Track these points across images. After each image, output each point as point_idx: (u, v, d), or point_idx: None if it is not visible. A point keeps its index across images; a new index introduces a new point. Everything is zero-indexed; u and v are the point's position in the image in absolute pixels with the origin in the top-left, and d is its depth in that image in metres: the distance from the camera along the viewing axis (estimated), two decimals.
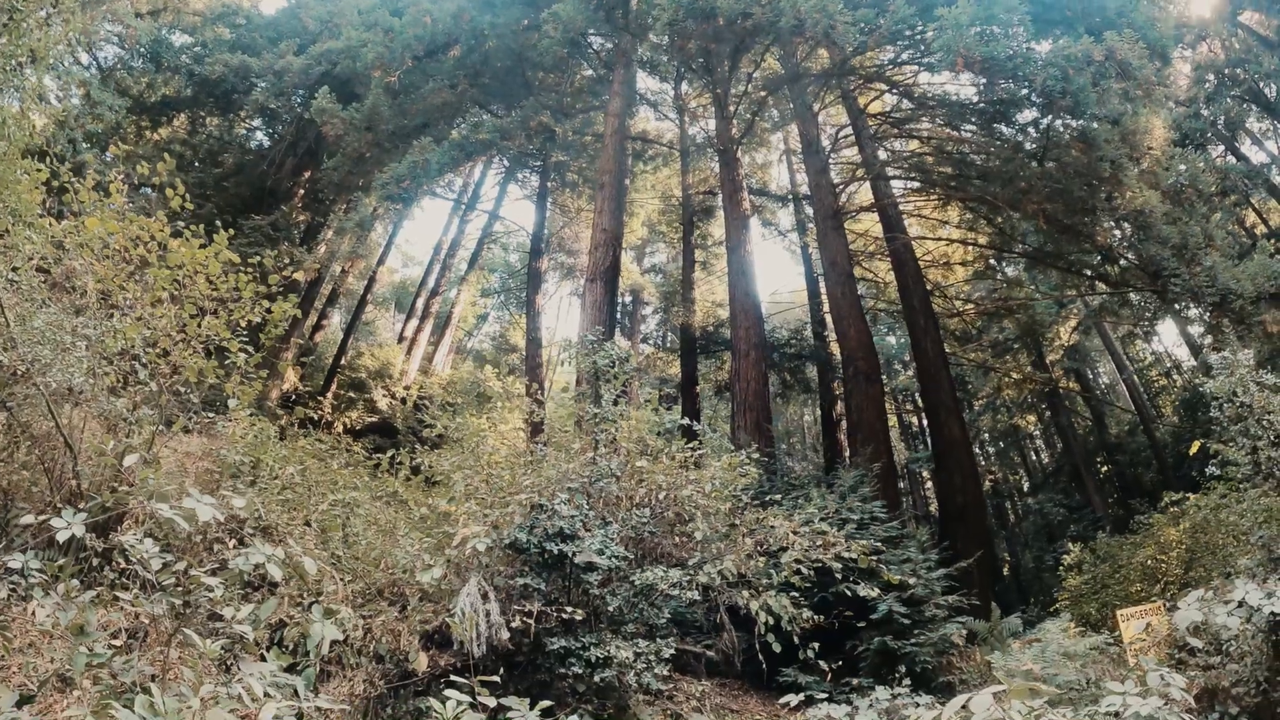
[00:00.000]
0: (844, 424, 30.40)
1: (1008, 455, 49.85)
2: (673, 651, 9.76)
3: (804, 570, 11.21)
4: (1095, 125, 20.85)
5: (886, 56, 26.17)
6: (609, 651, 8.87)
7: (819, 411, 39.10)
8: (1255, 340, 20.35)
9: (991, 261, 36.60)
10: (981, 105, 24.19)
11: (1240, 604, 8.23)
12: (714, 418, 37.10)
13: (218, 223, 10.36)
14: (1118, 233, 23.14)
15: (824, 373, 34.88)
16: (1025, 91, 21.18)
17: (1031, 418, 44.96)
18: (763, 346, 24.55)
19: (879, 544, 13.61)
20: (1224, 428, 12.65)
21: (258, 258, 12.00)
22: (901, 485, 50.76)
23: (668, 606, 10.58)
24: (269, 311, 10.60)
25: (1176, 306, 25.26)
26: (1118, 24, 20.85)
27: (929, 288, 30.45)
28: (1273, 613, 8.01)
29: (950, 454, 23.78)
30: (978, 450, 47.06)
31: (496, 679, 6.86)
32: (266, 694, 4.91)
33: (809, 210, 34.08)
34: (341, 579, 9.19)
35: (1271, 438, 11.95)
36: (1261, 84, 36.54)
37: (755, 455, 13.48)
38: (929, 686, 12.44)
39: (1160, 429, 36.80)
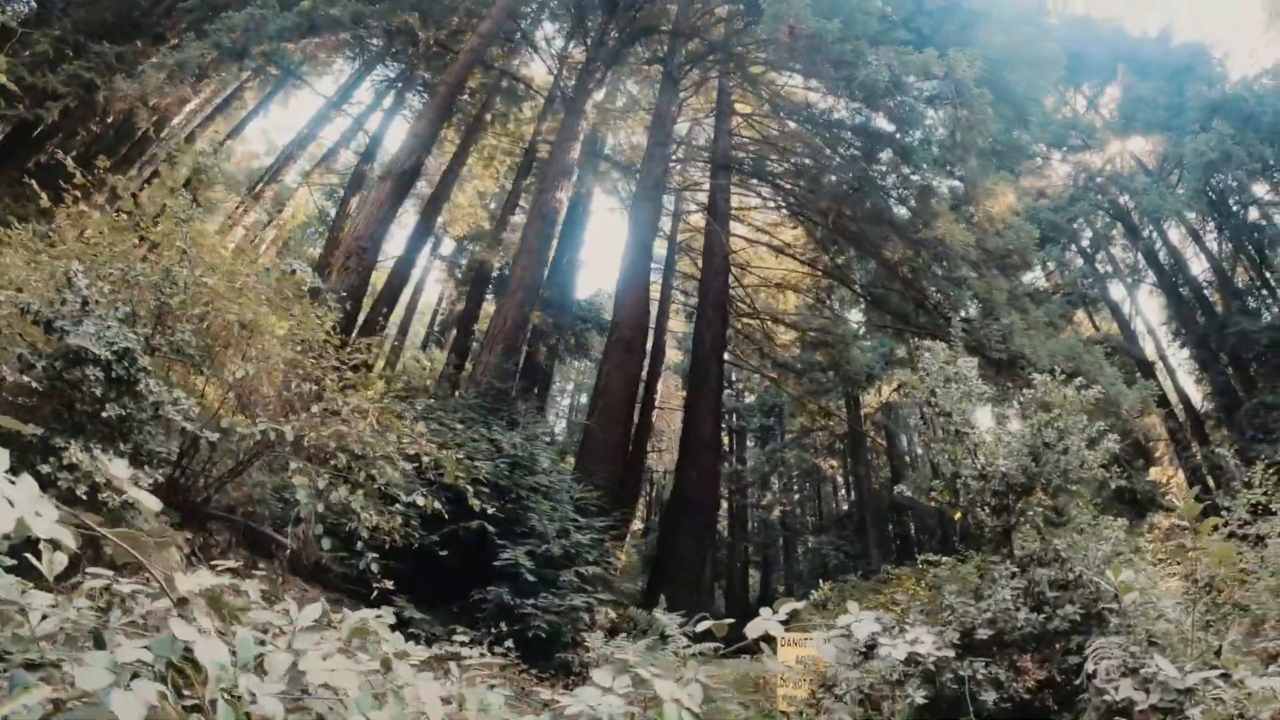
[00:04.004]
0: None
1: (805, 492, 47.72)
2: (152, 482, 6.80)
3: (393, 472, 8.84)
4: (919, 139, 18.23)
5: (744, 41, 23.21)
6: (73, 458, 6.37)
7: None
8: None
9: (835, 308, 34.41)
10: (816, 109, 21.49)
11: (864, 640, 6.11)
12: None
13: None
14: (912, 255, 20.25)
15: None
16: (845, 84, 18.25)
17: (835, 463, 42.99)
18: (534, 290, 21.29)
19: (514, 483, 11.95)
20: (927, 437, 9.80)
21: None
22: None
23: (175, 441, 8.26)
24: None
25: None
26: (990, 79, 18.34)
27: (734, 284, 28.13)
28: (912, 656, 6.11)
29: (696, 450, 20.98)
30: (777, 480, 45.04)
31: None
32: None
33: None
34: None
35: (973, 458, 9.17)
36: (1130, 206, 34.74)
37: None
38: (546, 656, 10.69)
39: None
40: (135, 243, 8.90)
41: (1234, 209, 32.83)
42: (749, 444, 47.00)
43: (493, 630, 10.23)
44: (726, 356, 35.00)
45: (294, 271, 10.89)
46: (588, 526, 12.60)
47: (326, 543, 8.67)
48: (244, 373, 8.61)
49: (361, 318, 23.06)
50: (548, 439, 14.22)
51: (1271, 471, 9.36)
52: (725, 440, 46.78)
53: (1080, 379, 10.03)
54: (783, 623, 4.59)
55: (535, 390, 28.72)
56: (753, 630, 4.82)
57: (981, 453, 9.44)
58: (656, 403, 32.01)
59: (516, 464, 12.66)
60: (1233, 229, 32.51)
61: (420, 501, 8.93)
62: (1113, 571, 7.58)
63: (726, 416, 45.31)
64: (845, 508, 45.17)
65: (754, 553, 44.50)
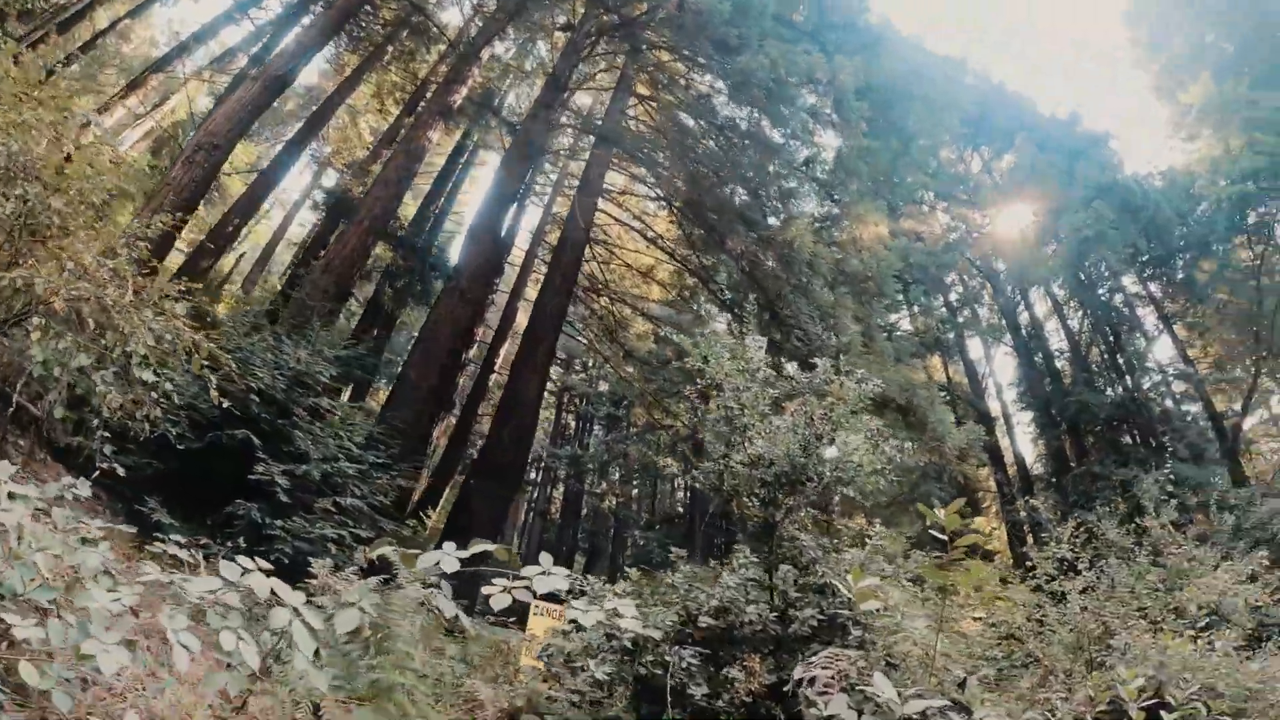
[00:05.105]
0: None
1: (644, 488, 47.08)
2: None
3: (141, 350, 7.48)
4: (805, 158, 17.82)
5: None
6: None
7: None
8: None
9: (702, 311, 33.71)
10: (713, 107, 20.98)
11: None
12: None
13: None
14: (755, 250, 19.79)
15: None
16: (721, 68, 17.85)
17: (674, 462, 42.33)
18: (384, 221, 20.19)
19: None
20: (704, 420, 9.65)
21: None
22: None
23: None
24: None
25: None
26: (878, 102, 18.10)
27: (595, 260, 28.44)
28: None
29: (516, 412, 19.97)
30: (617, 471, 44.54)
31: None
32: None
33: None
34: None
35: (744, 441, 8.55)
36: (1001, 269, 35.46)
37: None
38: (290, 583, 8.92)
39: None
40: None
41: (1100, 294, 33.51)
42: (595, 431, 46.27)
43: (228, 545, 9.23)
44: (582, 341, 34.19)
45: (88, 124, 9.96)
46: (360, 459, 11.75)
47: (59, 411, 7.60)
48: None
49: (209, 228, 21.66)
50: (328, 359, 13.04)
51: (1081, 531, 9.64)
52: (573, 425, 46.05)
53: (864, 375, 9.48)
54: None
55: (377, 333, 27.48)
56: (424, 561, 4.38)
57: (751, 436, 8.76)
58: (497, 367, 30.95)
59: (298, 380, 11.72)
60: (1095, 309, 33.17)
61: (149, 379, 7.72)
62: (853, 576, 6.95)
63: (576, 402, 44.59)
64: (680, 509, 44.82)
65: (583, 539, 43.77)
